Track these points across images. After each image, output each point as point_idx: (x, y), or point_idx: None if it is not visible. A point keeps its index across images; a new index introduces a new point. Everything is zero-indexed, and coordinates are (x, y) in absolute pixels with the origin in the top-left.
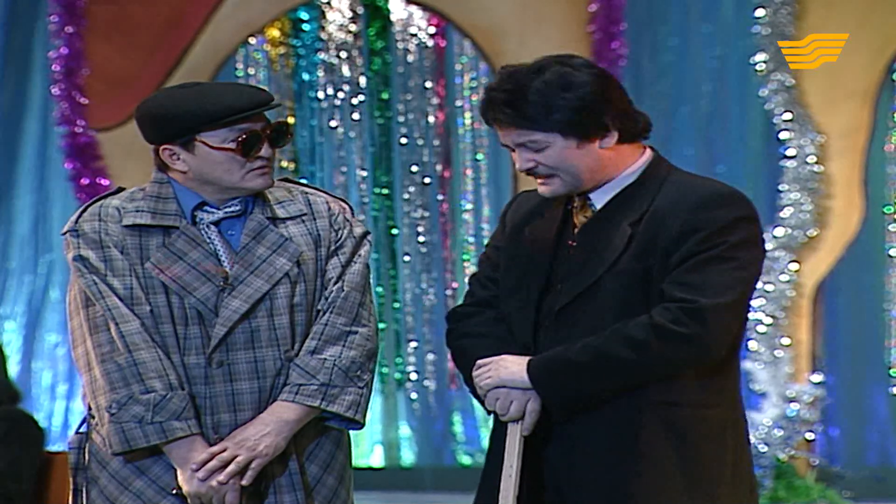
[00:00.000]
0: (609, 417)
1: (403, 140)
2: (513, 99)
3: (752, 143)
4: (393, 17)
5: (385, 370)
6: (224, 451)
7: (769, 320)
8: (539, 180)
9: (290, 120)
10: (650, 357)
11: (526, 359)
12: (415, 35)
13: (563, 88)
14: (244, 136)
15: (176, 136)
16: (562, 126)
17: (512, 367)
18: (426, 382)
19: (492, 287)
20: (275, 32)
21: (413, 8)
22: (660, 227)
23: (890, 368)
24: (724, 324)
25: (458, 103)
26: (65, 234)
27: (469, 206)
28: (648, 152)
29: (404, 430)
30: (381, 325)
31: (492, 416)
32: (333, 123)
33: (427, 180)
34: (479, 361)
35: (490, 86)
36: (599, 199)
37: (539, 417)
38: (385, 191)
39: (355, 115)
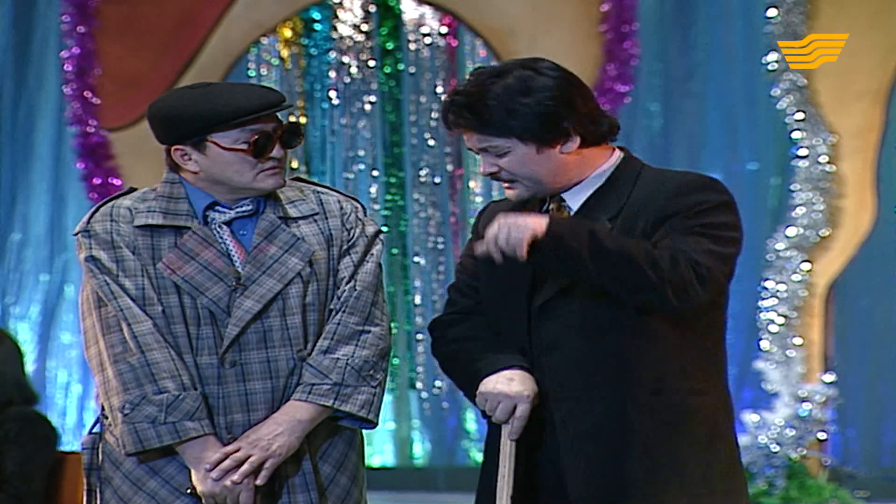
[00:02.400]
0: (599, 407)
1: (414, 140)
2: (472, 103)
3: (764, 142)
4: (405, 17)
5: (396, 370)
6: (238, 450)
7: (781, 320)
8: (504, 185)
9: (302, 120)
10: (658, 285)
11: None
12: (427, 35)
13: (523, 93)
14: (256, 137)
15: (187, 137)
16: (520, 132)
17: (535, 221)
18: (437, 381)
19: (473, 295)
20: (287, 32)
21: (425, 8)
22: (638, 215)
23: None
24: (713, 293)
25: None
26: (76, 234)
27: (479, 207)
28: (618, 152)
29: (416, 429)
30: (392, 325)
31: (483, 417)
32: (344, 123)
33: (437, 180)
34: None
35: (454, 89)
36: (574, 200)
37: (531, 422)
38: (396, 191)
39: (366, 115)
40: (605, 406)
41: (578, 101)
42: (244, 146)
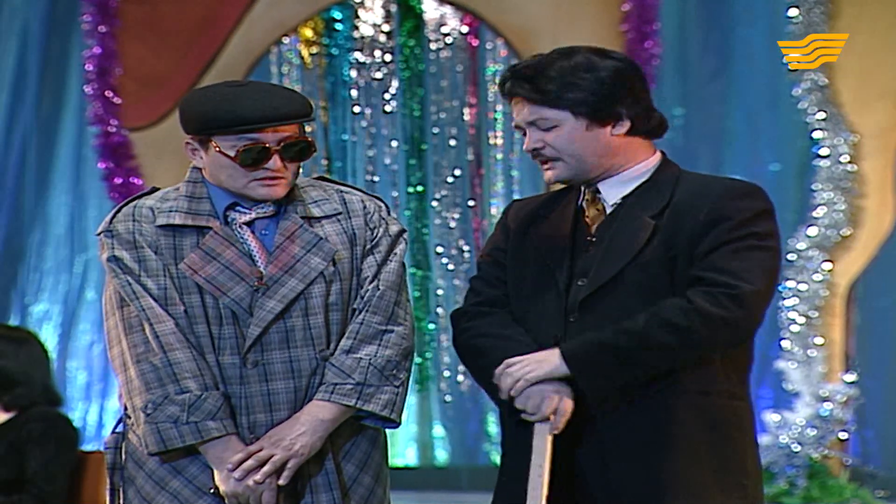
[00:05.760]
0: (643, 406)
1: (436, 140)
2: (534, 74)
3: (786, 142)
4: (426, 17)
5: (419, 370)
6: (260, 450)
7: (802, 320)
8: (544, 165)
9: (323, 119)
10: (693, 340)
11: (555, 350)
12: (447, 34)
13: (586, 70)
14: (244, 147)
15: (195, 133)
16: (574, 105)
17: (547, 360)
18: (460, 382)
19: (501, 286)
20: (308, 32)
21: (446, 7)
22: (684, 216)
23: None
24: (760, 309)
25: (491, 102)
26: (99, 234)
27: (501, 205)
28: (659, 154)
29: (438, 430)
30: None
31: (508, 417)
32: (366, 123)
33: (459, 179)
34: (510, 361)
35: (518, 62)
36: (610, 193)
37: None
38: (417, 189)
39: (388, 115)
40: (653, 403)
41: (637, 87)
42: (233, 153)
